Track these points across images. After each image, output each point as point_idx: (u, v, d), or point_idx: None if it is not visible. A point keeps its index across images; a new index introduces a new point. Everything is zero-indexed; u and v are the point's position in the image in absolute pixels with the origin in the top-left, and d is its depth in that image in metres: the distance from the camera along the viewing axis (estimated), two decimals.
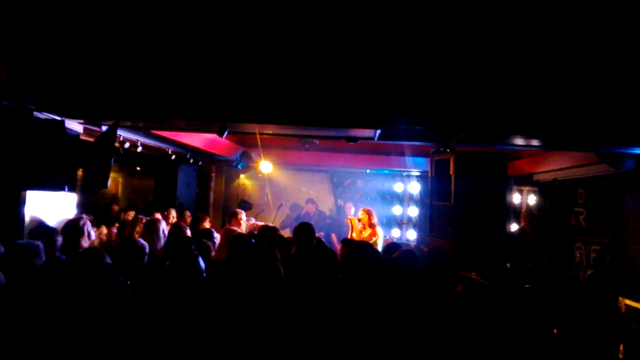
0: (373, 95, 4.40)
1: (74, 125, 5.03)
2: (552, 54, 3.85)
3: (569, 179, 7.43)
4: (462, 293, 3.13)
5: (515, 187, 8.55)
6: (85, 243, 4.18)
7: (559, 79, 4.09)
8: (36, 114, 4.51)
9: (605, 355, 3.07)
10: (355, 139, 5.57)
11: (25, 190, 4.44)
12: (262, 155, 8.50)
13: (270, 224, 6.25)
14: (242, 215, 6.74)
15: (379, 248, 6.93)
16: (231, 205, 10.82)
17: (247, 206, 9.89)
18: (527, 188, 8.48)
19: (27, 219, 4.46)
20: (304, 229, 4.61)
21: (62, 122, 4.66)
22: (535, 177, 8.27)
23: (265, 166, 8.84)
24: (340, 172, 11.27)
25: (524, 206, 8.51)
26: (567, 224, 7.67)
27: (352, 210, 9.92)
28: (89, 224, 4.30)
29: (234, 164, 9.66)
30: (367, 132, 5.29)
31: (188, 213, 8.13)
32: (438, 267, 5.21)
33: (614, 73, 3.87)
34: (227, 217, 6.79)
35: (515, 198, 8.56)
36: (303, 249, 4.49)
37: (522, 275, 5.94)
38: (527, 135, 5.12)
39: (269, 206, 10.52)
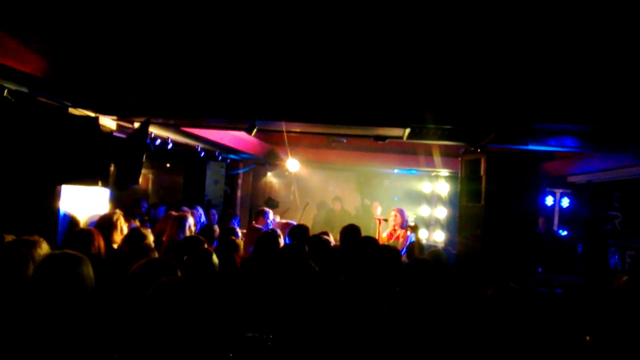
0: (403, 93, 4.36)
1: (108, 122, 5.14)
2: (588, 53, 3.74)
3: (605, 181, 7.20)
4: (492, 296, 3.06)
5: (548, 189, 8.34)
6: (117, 237, 4.27)
7: (596, 78, 3.97)
8: (71, 110, 4.63)
9: None
10: (383, 138, 5.52)
11: (60, 184, 4.55)
12: (289, 154, 8.52)
13: (294, 222, 6.25)
14: (269, 214, 6.78)
15: None
16: (258, 202, 10.89)
17: (273, 204, 9.93)
18: (561, 190, 8.26)
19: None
20: (351, 230, 4.68)
21: (96, 118, 4.77)
22: (569, 179, 8.05)
23: (292, 164, 8.86)
24: (367, 172, 11.22)
25: (556, 208, 8.30)
26: (602, 228, 7.44)
27: (379, 209, 9.83)
28: (122, 219, 4.40)
29: (262, 161, 9.72)
30: (396, 131, 5.24)
31: (214, 212, 8.22)
32: (467, 269, 5.12)
33: None
34: (254, 214, 6.83)
35: (548, 200, 8.35)
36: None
37: (554, 280, 5.78)
38: (562, 136, 4.98)
39: (295, 204, 10.55)
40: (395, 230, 6.88)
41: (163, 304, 1.71)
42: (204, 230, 5.29)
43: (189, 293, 1.75)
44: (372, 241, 3.48)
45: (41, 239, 3.08)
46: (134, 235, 4.15)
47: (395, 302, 2.15)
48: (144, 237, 4.15)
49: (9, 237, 3.33)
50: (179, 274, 2.36)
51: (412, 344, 1.98)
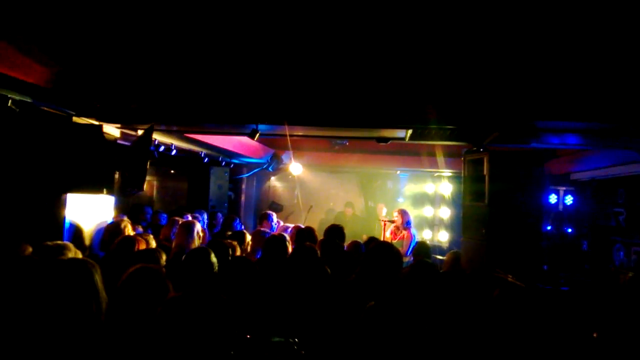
0: (404, 94, 4.37)
1: (111, 130, 5.18)
2: (589, 50, 3.74)
3: (609, 178, 7.19)
4: (499, 296, 3.06)
5: (551, 187, 8.32)
6: None
7: (597, 75, 3.97)
8: (75, 119, 4.67)
9: None
10: (385, 140, 5.53)
11: (66, 193, 4.58)
12: (292, 157, 8.54)
13: (301, 225, 6.27)
14: (273, 216, 6.80)
15: None
16: (262, 207, 10.91)
17: (277, 208, 9.95)
18: (564, 188, 8.25)
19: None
20: (335, 230, 4.70)
21: (100, 126, 4.81)
22: (573, 177, 8.03)
23: (295, 168, 8.88)
24: (370, 173, 11.23)
25: (560, 207, 8.28)
26: (606, 225, 7.42)
27: (384, 211, 9.85)
28: (129, 226, 4.44)
29: (265, 166, 9.74)
30: (398, 132, 5.24)
31: (219, 216, 8.24)
32: (472, 269, 5.11)
33: None
34: (258, 218, 6.84)
35: (552, 198, 8.33)
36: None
37: (560, 278, 5.77)
38: (565, 133, 4.98)
39: (299, 208, 10.57)
40: (398, 230, 6.99)
41: (173, 322, 1.76)
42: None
43: (197, 310, 1.80)
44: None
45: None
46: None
47: (381, 298, 2.16)
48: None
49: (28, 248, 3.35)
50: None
51: (392, 338, 1.99)
